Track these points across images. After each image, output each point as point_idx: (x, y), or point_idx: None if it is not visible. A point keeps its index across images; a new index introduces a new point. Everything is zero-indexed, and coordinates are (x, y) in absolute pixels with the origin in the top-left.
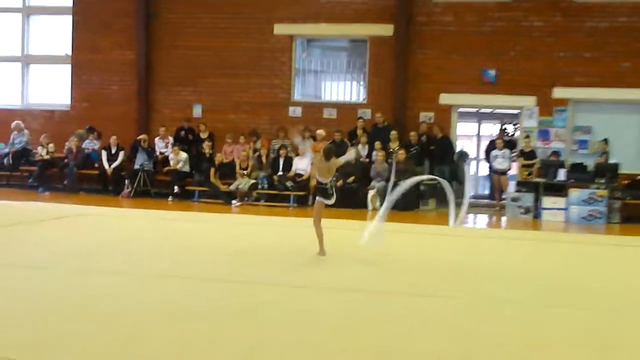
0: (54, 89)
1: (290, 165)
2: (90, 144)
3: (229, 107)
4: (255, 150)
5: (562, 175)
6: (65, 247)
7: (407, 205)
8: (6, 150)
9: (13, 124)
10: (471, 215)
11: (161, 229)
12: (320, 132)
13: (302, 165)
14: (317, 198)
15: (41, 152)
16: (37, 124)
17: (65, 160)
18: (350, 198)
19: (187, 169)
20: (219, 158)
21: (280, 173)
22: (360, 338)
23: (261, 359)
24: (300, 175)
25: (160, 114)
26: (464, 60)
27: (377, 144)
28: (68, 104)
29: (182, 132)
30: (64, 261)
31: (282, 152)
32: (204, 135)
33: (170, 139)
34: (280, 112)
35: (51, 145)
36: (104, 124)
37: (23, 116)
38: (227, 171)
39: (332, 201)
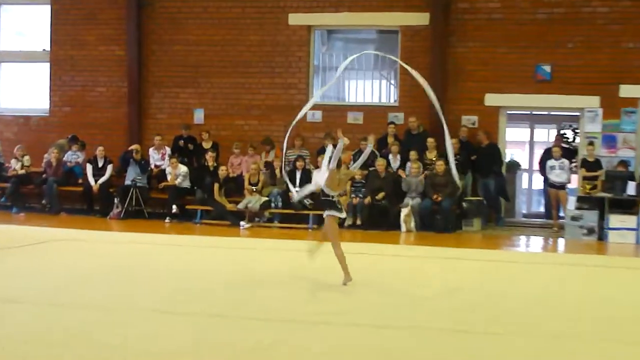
0: (29, 91)
1: (309, 180)
2: (73, 156)
3: (236, 111)
4: (267, 164)
5: (631, 189)
6: (42, 279)
7: (448, 227)
8: None
9: None
10: (523, 238)
11: (156, 256)
12: (343, 140)
13: (323, 179)
14: (326, 213)
15: (15, 166)
16: (10, 133)
17: (44, 176)
18: (380, 218)
19: (187, 184)
20: (224, 172)
21: (297, 189)
22: None
23: None
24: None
25: (155, 121)
26: (514, 54)
27: (412, 154)
28: (47, 108)
29: (181, 142)
30: (40, 294)
31: (299, 164)
32: (206, 145)
33: (167, 150)
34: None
35: (27, 157)
36: (89, 132)
37: None
38: (235, 187)
39: (344, 214)
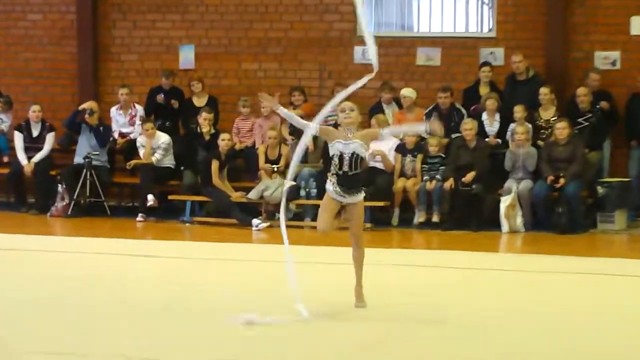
0: None
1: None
2: None
3: (244, 49)
4: (294, 131)
5: None
6: None
7: (575, 224)
8: None
9: None
10: None
11: (122, 275)
12: (409, 92)
13: (389, 147)
14: (335, 195)
15: None
16: None
17: None
18: (469, 211)
19: (169, 162)
20: (227, 143)
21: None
22: None
23: None
24: (378, 171)
25: (119, 65)
26: None
27: (518, 110)
28: None
29: (160, 97)
30: None
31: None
32: (199, 102)
33: (139, 110)
34: (339, 56)
35: None
36: (19, 82)
37: None
38: (244, 166)
39: (360, 197)
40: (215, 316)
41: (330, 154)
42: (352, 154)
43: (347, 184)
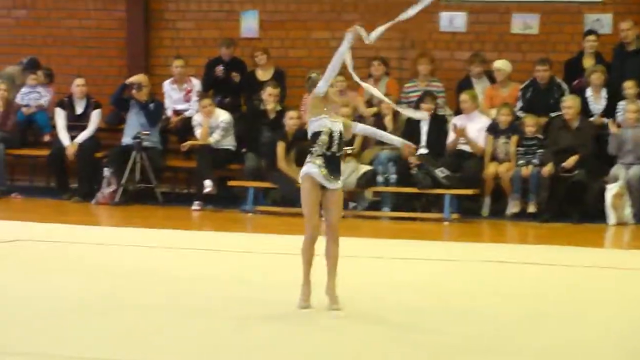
0: None
1: (443, 135)
2: (32, 96)
3: (314, 16)
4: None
5: None
6: None
7: None
8: None
9: None
10: None
11: (179, 271)
12: (502, 64)
13: (469, 132)
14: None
15: None
16: None
17: None
18: (571, 201)
19: (230, 144)
20: (295, 121)
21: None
22: None
23: None
24: (465, 155)
25: (173, 33)
26: None
27: (628, 86)
28: None
29: (220, 69)
30: None
31: (425, 106)
32: (263, 76)
33: (196, 84)
34: (422, 23)
35: None
36: (60, 53)
37: None
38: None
39: (340, 182)
40: (300, 316)
41: (314, 129)
42: (340, 133)
43: (334, 165)
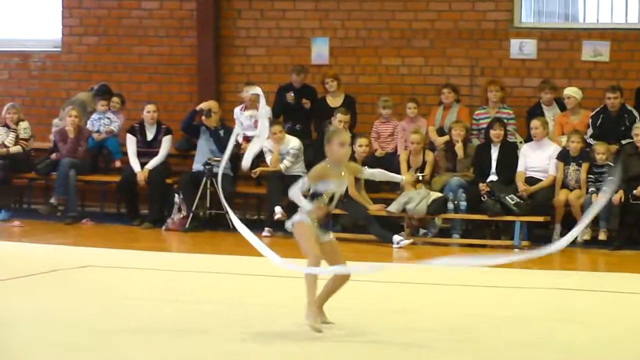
0: (26, 14)
1: (513, 163)
2: (103, 122)
3: (385, 42)
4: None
5: None
6: (45, 346)
7: None
8: None
9: None
10: None
11: (252, 299)
12: (573, 91)
13: (537, 161)
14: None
15: (4, 140)
16: None
17: (53, 156)
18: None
19: (300, 170)
20: (365, 149)
21: (493, 177)
22: None
23: None
24: (536, 182)
25: (244, 59)
26: None
27: None
28: (57, 39)
29: (290, 95)
30: None
31: (494, 132)
32: (334, 102)
33: (266, 110)
34: (493, 50)
35: (24, 124)
36: (131, 80)
37: None
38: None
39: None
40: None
41: (319, 190)
42: (342, 193)
43: (326, 219)
